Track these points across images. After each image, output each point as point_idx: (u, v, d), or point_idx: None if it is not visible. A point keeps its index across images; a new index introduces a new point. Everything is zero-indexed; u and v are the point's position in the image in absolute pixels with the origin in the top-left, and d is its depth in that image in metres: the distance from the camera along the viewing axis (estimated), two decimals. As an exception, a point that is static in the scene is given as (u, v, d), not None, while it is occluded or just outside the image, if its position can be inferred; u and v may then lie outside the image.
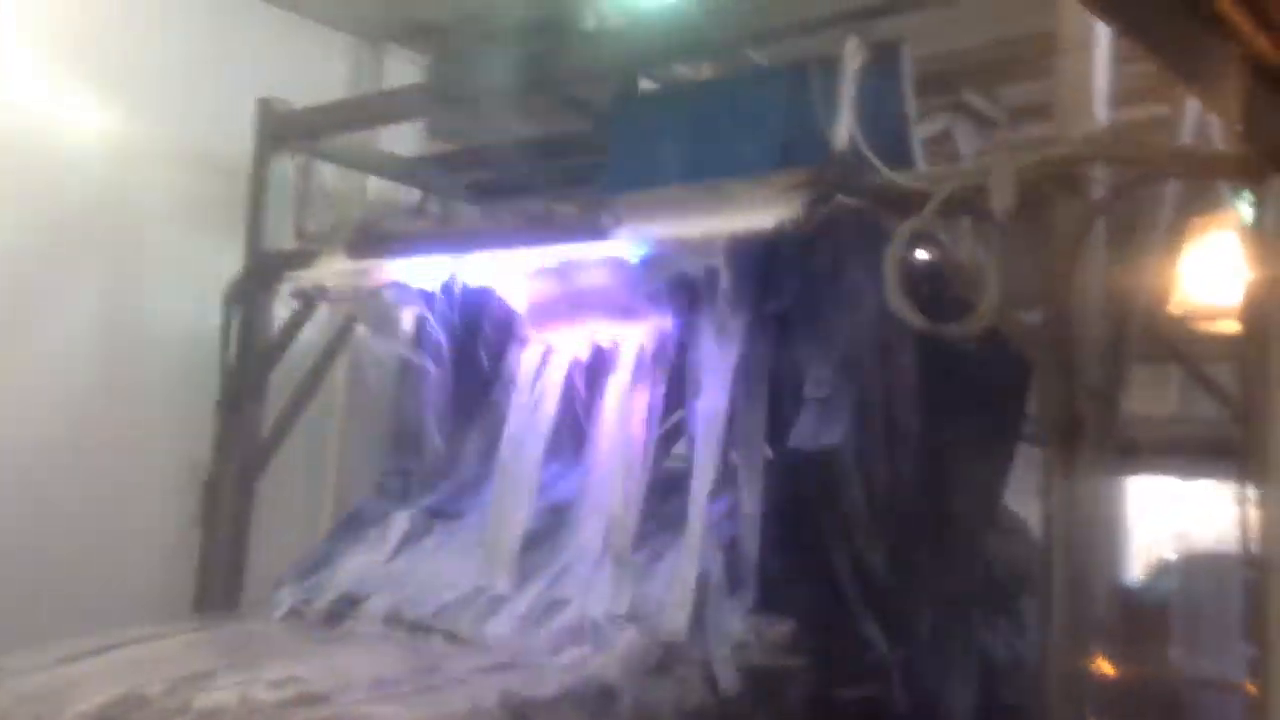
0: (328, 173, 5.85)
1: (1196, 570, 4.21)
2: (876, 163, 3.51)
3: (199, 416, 5.33)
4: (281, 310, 5.30)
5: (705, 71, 4.95)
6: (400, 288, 4.58)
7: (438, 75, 4.97)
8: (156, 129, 5.53)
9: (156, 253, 5.59)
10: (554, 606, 3.56)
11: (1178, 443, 3.60)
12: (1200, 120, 3.55)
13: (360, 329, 5.39)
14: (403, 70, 6.46)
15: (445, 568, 3.96)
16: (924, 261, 3.53)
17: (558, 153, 5.31)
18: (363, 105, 5.43)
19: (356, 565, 4.13)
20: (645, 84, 5.00)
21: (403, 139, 6.25)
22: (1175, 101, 3.63)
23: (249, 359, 5.31)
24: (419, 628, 3.68)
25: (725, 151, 4.12)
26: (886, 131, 3.71)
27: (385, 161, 5.91)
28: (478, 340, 4.53)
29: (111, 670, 3.20)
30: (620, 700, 3.15)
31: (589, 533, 3.77)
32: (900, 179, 3.48)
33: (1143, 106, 3.92)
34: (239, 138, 5.49)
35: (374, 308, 4.91)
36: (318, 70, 6.18)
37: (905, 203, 3.46)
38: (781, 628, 3.52)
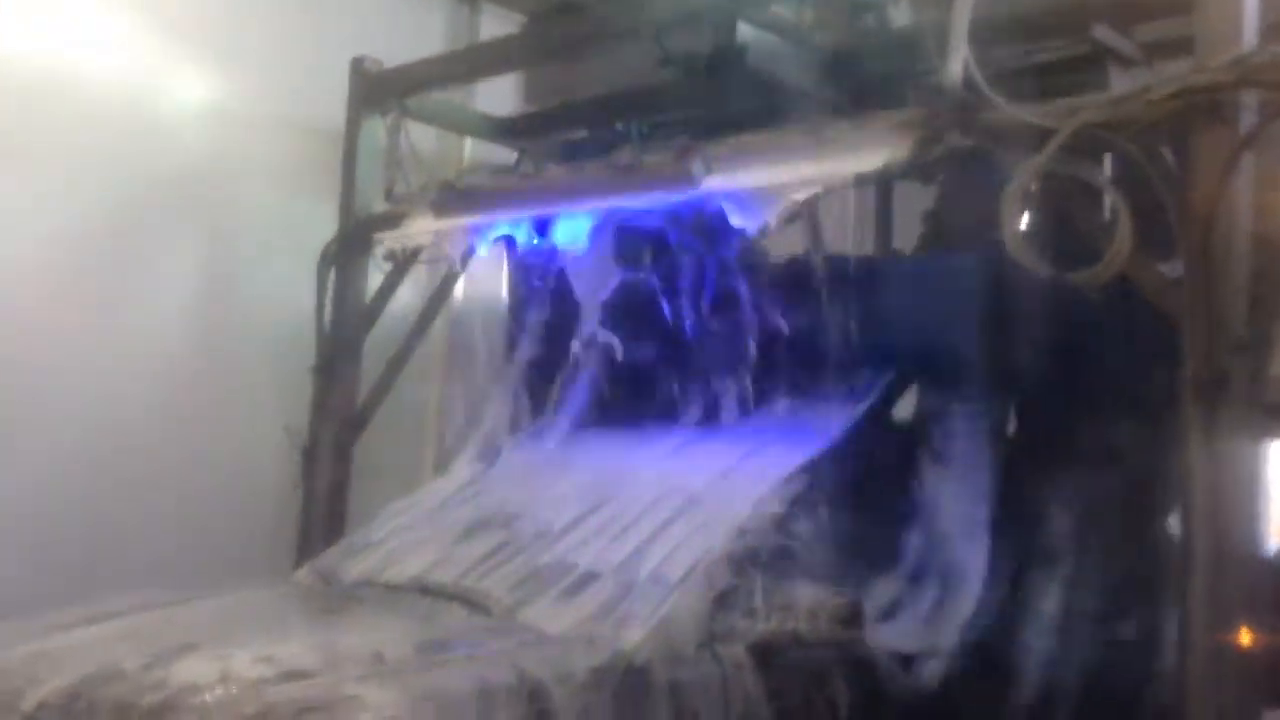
0: (428, 136, 5.77)
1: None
2: (994, 97, 3.20)
3: (296, 382, 5.29)
4: (377, 274, 5.24)
5: (806, 16, 4.65)
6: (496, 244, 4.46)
7: (533, 28, 4.80)
8: (252, 92, 5.48)
9: (252, 217, 5.55)
10: (587, 579, 3.28)
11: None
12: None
13: (459, 290, 5.31)
14: (499, 28, 6.31)
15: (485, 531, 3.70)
16: (1047, 205, 3.22)
17: (655, 106, 5.09)
18: (455, 61, 5.28)
19: (395, 529, 3.94)
20: (744, 30, 4.73)
21: (499, 99, 6.12)
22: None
23: (344, 323, 5.23)
24: (441, 594, 3.40)
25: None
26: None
27: (479, 121, 5.76)
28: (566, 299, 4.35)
29: (98, 641, 3.02)
30: (653, 683, 2.89)
31: (634, 503, 3.55)
32: (1023, 113, 3.17)
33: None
34: (334, 100, 5.41)
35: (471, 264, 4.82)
36: (413, 30, 6.07)
37: (1027, 142, 3.16)
38: (840, 600, 3.23)
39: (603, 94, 5.01)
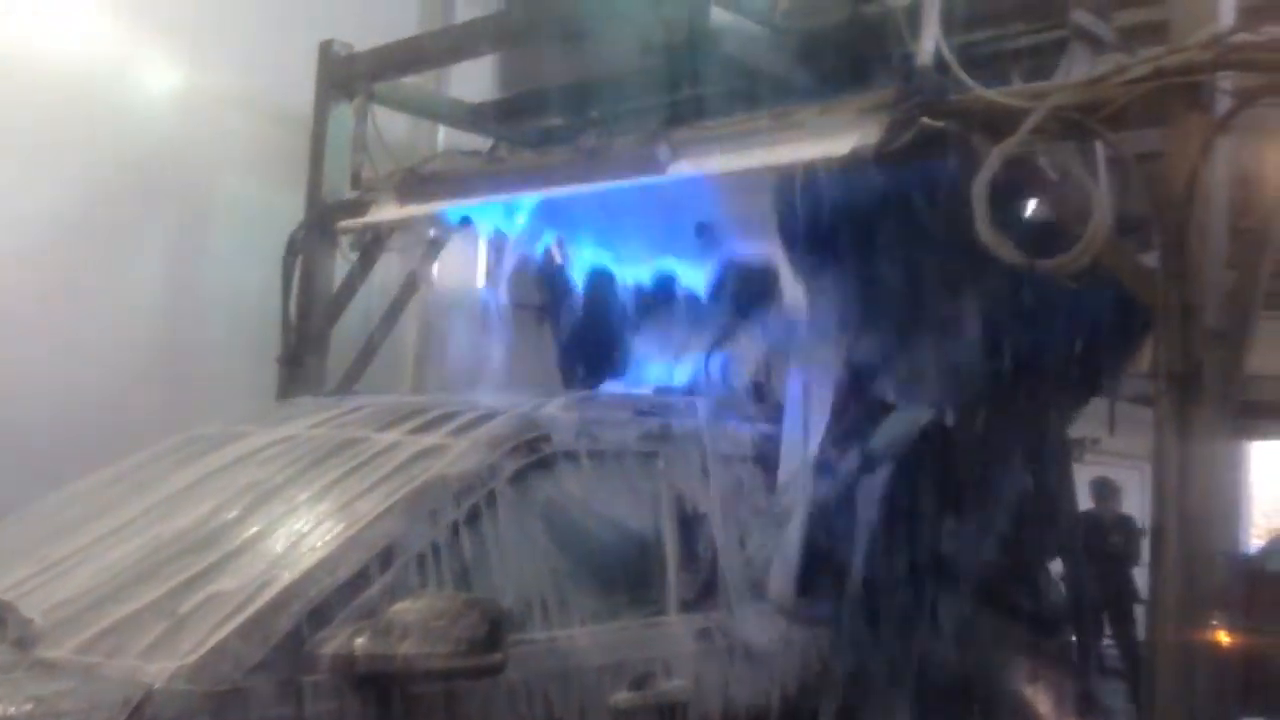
0: (399, 122, 5.66)
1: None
2: (966, 78, 3.11)
3: (263, 370, 5.18)
4: (344, 262, 5.14)
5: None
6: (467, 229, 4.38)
7: (506, 10, 4.69)
8: (221, 76, 5.40)
9: (220, 202, 5.48)
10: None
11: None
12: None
13: (431, 276, 5.21)
14: (473, 15, 6.22)
15: None
16: (1020, 189, 3.13)
17: (628, 94, 4.99)
18: (425, 44, 5.16)
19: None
20: (719, 14, 4.64)
21: (473, 86, 6.01)
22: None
23: (310, 312, 5.13)
24: None
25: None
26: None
27: (451, 107, 5.65)
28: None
29: None
30: None
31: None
32: (995, 95, 3.07)
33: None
34: (303, 84, 5.32)
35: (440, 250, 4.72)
36: (385, 14, 5.96)
37: (1000, 123, 3.07)
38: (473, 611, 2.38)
39: (576, 80, 4.90)
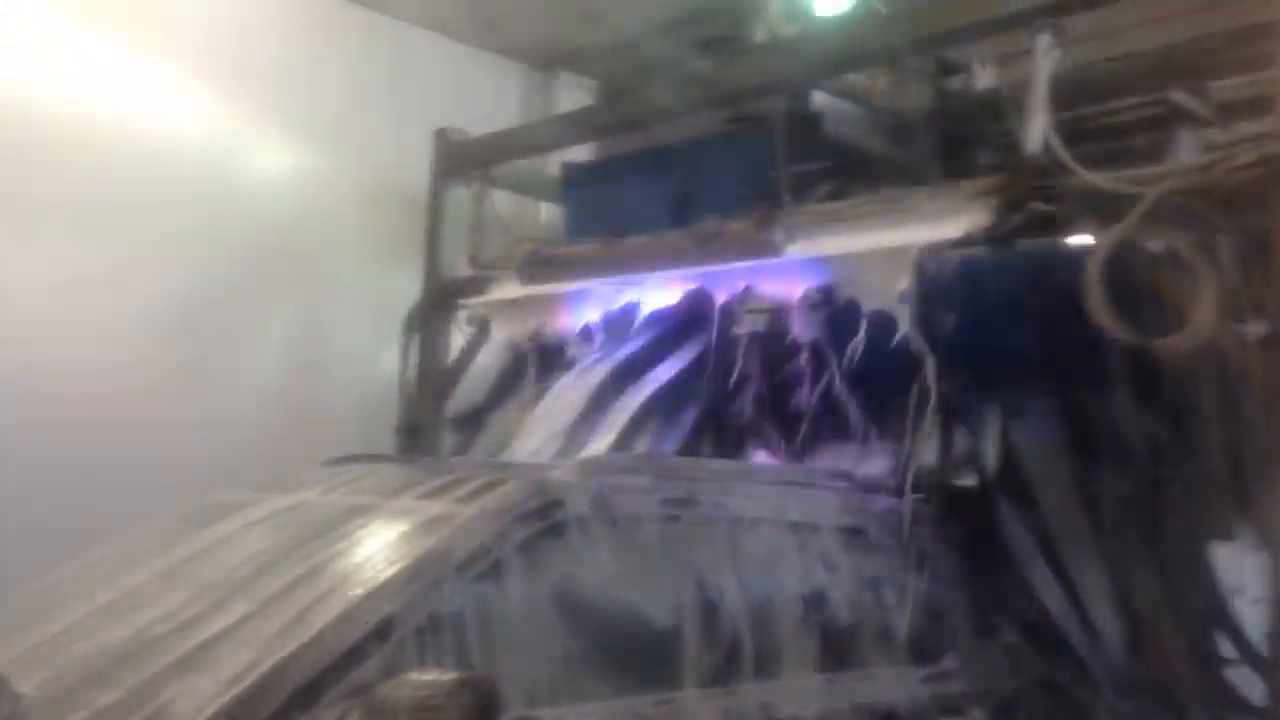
0: (505, 199, 5.92)
1: None
2: (1074, 164, 3.25)
3: (380, 444, 5.41)
4: (458, 337, 5.38)
5: (879, 83, 4.74)
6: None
7: (607, 99, 4.93)
8: (337, 161, 5.71)
9: (337, 283, 5.75)
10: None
11: None
12: None
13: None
14: (572, 95, 6.50)
15: None
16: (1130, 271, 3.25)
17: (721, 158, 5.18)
18: (535, 132, 5.43)
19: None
20: (819, 97, 4.84)
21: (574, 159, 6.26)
22: None
23: (427, 385, 5.37)
24: None
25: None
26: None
27: (555, 185, 5.91)
28: None
29: None
30: None
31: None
32: (1103, 181, 3.21)
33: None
34: (416, 168, 5.58)
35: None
36: (490, 99, 6.27)
37: (1107, 208, 3.21)
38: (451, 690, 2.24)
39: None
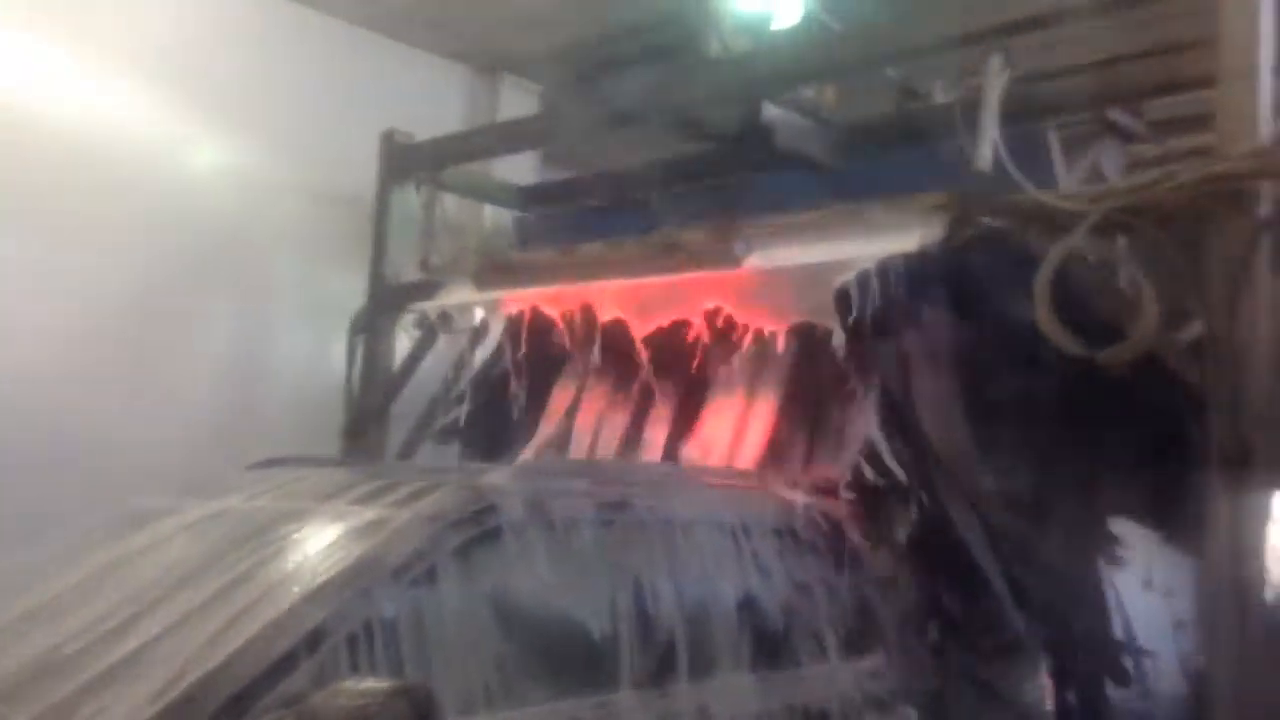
0: (449, 203, 5.91)
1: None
2: (1024, 181, 3.38)
3: (324, 446, 5.37)
4: (404, 341, 5.37)
5: (829, 95, 4.84)
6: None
7: (554, 106, 4.95)
8: (283, 162, 5.66)
9: (282, 284, 5.72)
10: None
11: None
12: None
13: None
14: (518, 99, 6.52)
15: None
16: (1073, 284, 3.39)
17: (678, 178, 5.25)
18: (484, 136, 5.46)
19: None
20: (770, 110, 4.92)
21: (519, 167, 6.29)
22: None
23: (373, 388, 5.35)
24: None
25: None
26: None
27: (504, 191, 5.93)
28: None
29: None
30: None
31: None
32: (1051, 198, 3.35)
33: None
34: (362, 170, 5.56)
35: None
36: (435, 102, 6.27)
37: (1054, 223, 3.34)
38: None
39: (635, 167, 5.16)
